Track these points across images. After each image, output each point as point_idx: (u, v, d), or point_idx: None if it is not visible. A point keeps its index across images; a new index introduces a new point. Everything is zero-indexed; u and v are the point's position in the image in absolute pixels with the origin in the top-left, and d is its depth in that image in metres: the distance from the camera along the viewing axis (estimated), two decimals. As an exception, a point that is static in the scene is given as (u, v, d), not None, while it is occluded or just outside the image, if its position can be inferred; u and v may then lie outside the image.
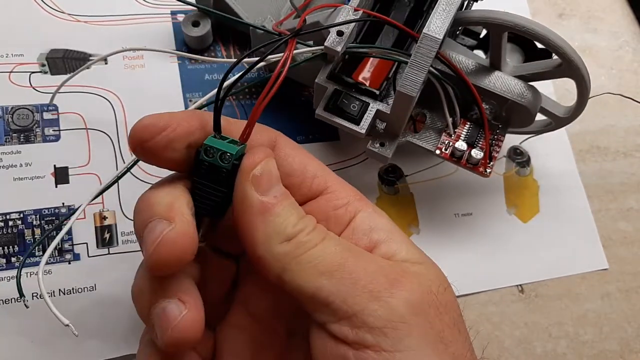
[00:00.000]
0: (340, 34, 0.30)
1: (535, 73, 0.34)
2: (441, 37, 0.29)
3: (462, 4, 0.33)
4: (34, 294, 0.32)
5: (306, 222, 0.24)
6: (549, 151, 0.42)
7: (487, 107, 0.35)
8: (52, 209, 0.34)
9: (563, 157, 0.43)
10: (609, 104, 0.45)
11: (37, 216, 0.34)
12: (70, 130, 0.37)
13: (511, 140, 0.42)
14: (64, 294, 0.33)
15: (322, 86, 0.32)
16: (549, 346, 0.38)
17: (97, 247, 0.34)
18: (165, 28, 0.41)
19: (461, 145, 0.34)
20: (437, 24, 0.29)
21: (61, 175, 0.35)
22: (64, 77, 0.36)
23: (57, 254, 0.34)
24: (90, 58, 0.38)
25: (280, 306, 0.26)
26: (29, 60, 0.38)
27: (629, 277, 0.40)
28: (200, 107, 0.29)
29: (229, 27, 0.41)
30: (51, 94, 0.36)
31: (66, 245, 0.34)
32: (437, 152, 0.34)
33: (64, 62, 0.38)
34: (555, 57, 0.33)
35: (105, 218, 0.35)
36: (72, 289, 0.33)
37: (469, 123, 0.35)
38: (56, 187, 0.35)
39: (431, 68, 0.30)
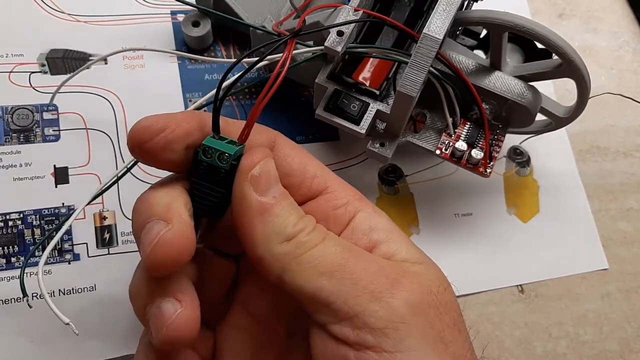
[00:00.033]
0: (340, 34, 0.30)
1: (536, 73, 0.34)
2: (441, 37, 0.29)
3: (462, 4, 0.33)
4: (34, 294, 0.32)
5: (306, 222, 0.24)
6: (549, 151, 0.42)
7: (487, 107, 0.35)
8: (52, 209, 0.34)
9: (563, 157, 0.43)
10: (609, 104, 0.45)
11: (37, 216, 0.34)
12: (70, 130, 0.37)
13: (511, 140, 0.42)
14: (64, 294, 0.33)
15: (322, 86, 0.32)
16: (549, 346, 0.38)
17: (97, 247, 0.34)
18: (165, 28, 0.41)
19: (461, 145, 0.34)
20: (437, 24, 0.29)
21: (61, 175, 0.35)
22: (64, 77, 0.36)
23: (57, 254, 0.34)
24: (90, 58, 0.38)
25: (280, 306, 0.26)
26: (29, 60, 0.38)
27: (629, 277, 0.40)
28: (200, 107, 0.29)
29: (229, 27, 0.41)
30: (51, 94, 0.36)
31: (66, 245, 0.34)
32: (437, 152, 0.34)
33: (63, 62, 0.38)
34: (555, 57, 0.33)
35: (105, 218, 0.35)
36: (72, 289, 0.33)
37: (469, 123, 0.35)
38: (56, 187, 0.35)
39: (431, 68, 0.30)
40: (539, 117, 0.36)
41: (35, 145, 0.36)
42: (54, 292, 0.33)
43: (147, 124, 0.23)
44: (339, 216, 0.26)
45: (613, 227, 0.41)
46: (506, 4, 0.37)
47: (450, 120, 0.34)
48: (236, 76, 0.25)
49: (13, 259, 0.33)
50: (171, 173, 0.25)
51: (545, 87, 0.39)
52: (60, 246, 0.34)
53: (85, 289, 0.33)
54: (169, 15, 0.41)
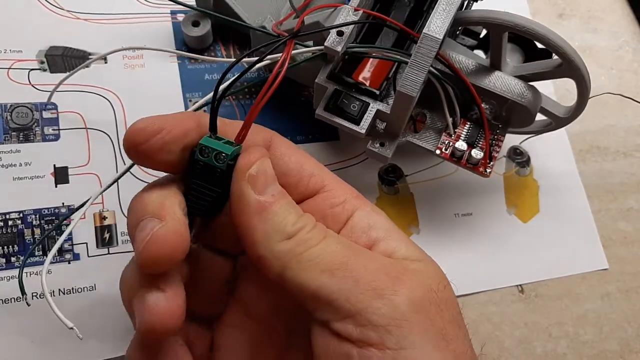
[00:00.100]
0: (340, 34, 0.30)
1: (536, 73, 0.34)
2: (441, 37, 0.29)
3: (462, 4, 0.33)
4: (34, 294, 0.32)
5: (305, 220, 0.24)
6: (549, 151, 0.42)
7: (487, 107, 0.35)
8: (52, 209, 0.34)
9: (563, 157, 0.43)
10: (609, 104, 0.45)
11: (37, 216, 0.34)
12: (69, 130, 0.36)
13: (511, 140, 0.42)
14: (64, 294, 0.33)
15: (322, 86, 0.32)
16: (549, 346, 0.38)
17: (97, 247, 0.34)
18: (165, 28, 0.41)
19: (461, 145, 0.34)
20: (437, 24, 0.29)
21: (61, 175, 0.35)
22: (63, 75, 0.36)
23: (57, 254, 0.34)
24: (90, 56, 0.38)
25: (279, 305, 0.26)
26: (28, 57, 0.38)
27: (629, 277, 0.40)
28: (199, 107, 0.29)
29: (229, 27, 0.41)
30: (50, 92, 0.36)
31: (66, 245, 0.34)
32: (437, 152, 0.34)
33: (63, 59, 0.38)
34: (555, 57, 0.33)
35: (105, 218, 0.35)
36: (72, 288, 0.33)
37: (469, 123, 0.35)
38: (56, 186, 0.35)
39: (431, 68, 0.30)
40: (539, 117, 0.36)
41: (35, 144, 0.36)
42: (53, 291, 0.33)
43: (143, 125, 0.23)
44: (336, 214, 0.26)
45: (613, 227, 0.41)
46: (506, 4, 0.37)
47: (450, 120, 0.34)
48: (235, 76, 0.25)
49: (13, 259, 0.33)
50: (166, 174, 0.25)
51: (545, 87, 0.39)
52: (60, 246, 0.34)
53: (85, 288, 0.33)
54: (169, 14, 0.41)
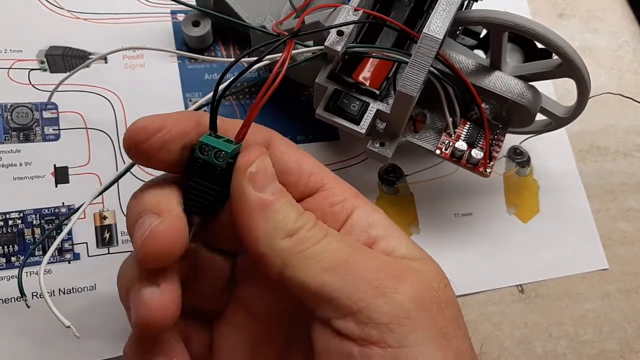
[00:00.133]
0: (340, 33, 0.30)
1: (536, 73, 0.34)
2: (441, 37, 0.29)
3: (462, 4, 0.33)
4: (34, 294, 0.32)
5: (306, 218, 0.24)
6: (549, 151, 0.42)
7: (487, 107, 0.35)
8: (52, 209, 0.34)
9: (563, 157, 0.43)
10: (609, 104, 0.45)
11: (37, 216, 0.34)
12: (70, 130, 0.36)
13: (511, 140, 0.42)
14: (64, 294, 0.33)
15: (322, 86, 0.32)
16: (549, 346, 0.38)
17: (97, 246, 0.34)
18: (165, 28, 0.41)
19: (461, 145, 0.34)
20: (437, 24, 0.29)
21: (61, 175, 0.35)
22: (63, 75, 0.36)
23: (57, 254, 0.34)
24: (90, 56, 0.38)
25: (279, 305, 0.26)
26: (28, 57, 0.38)
27: (629, 277, 0.40)
28: (199, 107, 0.29)
29: (229, 27, 0.41)
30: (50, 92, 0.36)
31: (66, 245, 0.34)
32: (437, 152, 0.34)
33: (63, 59, 0.38)
34: (555, 57, 0.33)
35: (105, 218, 0.35)
36: (72, 288, 0.33)
37: (469, 123, 0.35)
38: (56, 186, 0.35)
39: (431, 68, 0.30)
40: (539, 117, 0.36)
41: (35, 144, 0.36)
42: (53, 291, 0.33)
43: (143, 124, 0.23)
44: (336, 213, 0.26)
45: (613, 227, 0.41)
46: (506, 4, 0.37)
47: (450, 120, 0.34)
48: (235, 75, 0.25)
49: (13, 259, 0.33)
50: (165, 173, 0.26)
51: (545, 87, 0.39)
52: (60, 246, 0.34)
53: (85, 288, 0.33)
54: (169, 14, 0.41)
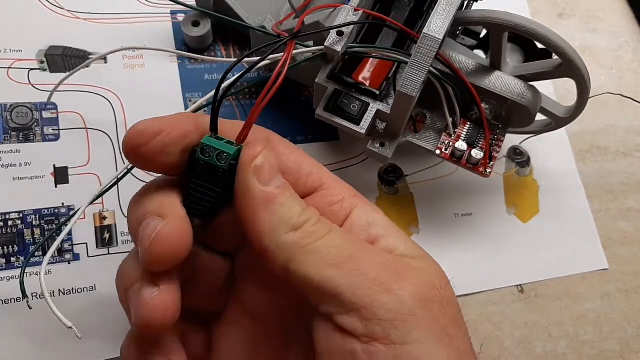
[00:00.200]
0: (340, 34, 0.30)
1: (536, 73, 0.34)
2: (441, 37, 0.29)
3: (462, 4, 0.33)
4: (34, 294, 0.32)
5: (310, 213, 0.24)
6: (549, 151, 0.42)
7: (487, 107, 0.35)
8: (52, 209, 0.34)
9: (563, 157, 0.43)
10: (609, 104, 0.45)
11: (37, 216, 0.34)
12: (69, 130, 0.36)
13: (511, 140, 0.42)
14: (64, 294, 0.33)
15: (322, 86, 0.32)
16: (549, 346, 0.38)
17: (97, 247, 0.34)
18: (165, 28, 0.41)
19: (461, 145, 0.34)
20: (437, 24, 0.29)
21: (61, 175, 0.35)
22: (63, 75, 0.36)
23: (56, 254, 0.34)
24: (90, 56, 0.38)
25: (279, 304, 0.26)
26: (28, 57, 0.38)
27: (629, 277, 0.40)
28: (199, 108, 0.29)
29: (229, 27, 0.41)
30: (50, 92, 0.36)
31: (66, 246, 0.34)
32: (437, 152, 0.34)
33: (63, 59, 0.38)
34: (555, 57, 0.33)
35: (105, 218, 0.35)
36: (72, 289, 0.33)
37: (469, 123, 0.35)
38: (56, 187, 0.35)
39: (431, 68, 0.30)
40: (539, 117, 0.36)
41: (35, 144, 0.36)
42: (53, 292, 0.33)
43: (142, 127, 0.23)
44: (335, 212, 0.26)
45: (613, 227, 0.41)
46: (506, 4, 0.37)
47: (450, 120, 0.34)
48: (235, 76, 0.25)
49: (13, 259, 0.33)
50: (162, 175, 0.26)
51: (545, 87, 0.39)
52: (60, 246, 0.34)
53: (85, 289, 0.33)
54: (169, 15, 0.41)
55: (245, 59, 0.29)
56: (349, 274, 0.22)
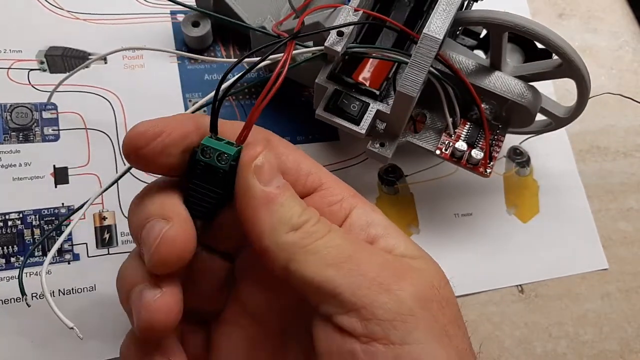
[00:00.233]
0: (340, 34, 0.30)
1: (536, 73, 0.34)
2: (441, 37, 0.29)
3: (462, 4, 0.33)
4: (34, 294, 0.32)
5: (310, 213, 0.24)
6: (549, 151, 0.42)
7: (487, 107, 0.35)
8: (52, 209, 0.34)
9: (563, 157, 0.43)
10: (609, 104, 0.45)
11: (37, 216, 0.34)
12: (69, 130, 0.36)
13: (511, 140, 0.42)
14: (64, 294, 0.33)
15: (322, 86, 0.32)
16: (549, 346, 0.38)
17: (97, 247, 0.34)
18: (165, 28, 0.41)
19: (461, 145, 0.34)
20: (437, 24, 0.29)
21: (61, 175, 0.35)
22: (63, 75, 0.36)
23: (56, 254, 0.34)
24: (90, 57, 0.38)
25: (279, 304, 0.26)
26: (28, 57, 0.38)
27: (629, 277, 0.40)
28: (199, 108, 0.29)
29: (229, 28, 0.41)
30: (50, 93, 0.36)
31: (66, 246, 0.34)
32: (437, 152, 0.34)
33: (62, 60, 0.38)
34: (555, 57, 0.33)
35: (104, 218, 0.35)
36: (72, 289, 0.33)
37: (469, 123, 0.35)
38: (56, 187, 0.35)
39: (431, 68, 0.30)
40: (539, 117, 0.36)
41: (35, 144, 0.36)
42: (53, 292, 0.33)
43: (142, 129, 0.23)
44: (334, 212, 0.26)
45: (613, 227, 0.41)
46: (506, 4, 0.37)
47: (450, 120, 0.34)
48: (235, 77, 0.25)
49: (12, 259, 0.33)
50: (162, 177, 0.26)
51: (545, 87, 0.39)
52: (60, 246, 0.34)
53: (85, 289, 0.33)
54: (169, 15, 0.41)
55: (245, 60, 0.29)
56: (349, 274, 0.22)
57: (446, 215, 0.39)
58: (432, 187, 0.40)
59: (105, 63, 0.39)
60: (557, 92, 0.44)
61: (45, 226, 0.34)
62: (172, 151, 0.23)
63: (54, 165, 0.35)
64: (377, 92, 0.32)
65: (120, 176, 0.28)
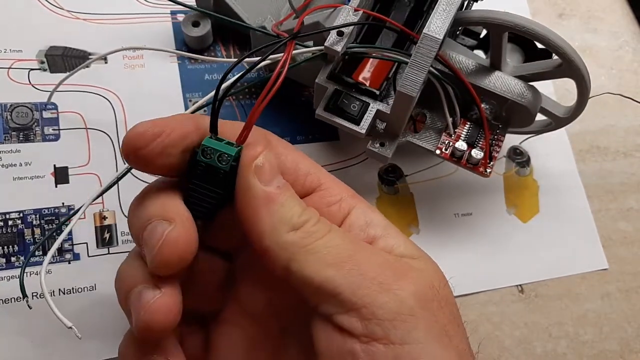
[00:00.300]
0: (340, 34, 0.30)
1: (536, 73, 0.34)
2: (441, 37, 0.29)
3: (462, 4, 0.33)
4: (34, 294, 0.32)
5: (310, 213, 0.24)
6: (549, 151, 0.42)
7: (487, 107, 0.35)
8: (52, 209, 0.34)
9: (563, 157, 0.43)
10: (609, 104, 0.45)
11: (37, 216, 0.34)
12: (69, 130, 0.36)
13: (511, 140, 0.42)
14: (64, 294, 0.33)
15: (322, 86, 0.32)
16: (549, 346, 0.38)
17: (97, 247, 0.34)
18: (165, 28, 0.41)
19: (461, 145, 0.34)
20: (437, 24, 0.29)
21: (61, 175, 0.35)
22: (63, 75, 0.36)
23: (57, 254, 0.34)
24: (90, 56, 0.38)
25: (278, 304, 0.26)
26: (28, 57, 0.38)
27: (629, 277, 0.40)
28: (200, 108, 0.29)
29: (229, 27, 0.41)
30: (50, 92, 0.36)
31: (66, 245, 0.34)
32: (437, 152, 0.34)
33: (63, 59, 0.38)
34: (555, 57, 0.33)
35: (105, 218, 0.35)
36: (72, 288, 0.33)
37: (469, 123, 0.35)
38: (56, 186, 0.35)
39: (431, 68, 0.30)
40: (539, 117, 0.36)
41: (35, 144, 0.36)
42: (53, 291, 0.33)
43: (142, 130, 0.23)
44: (333, 213, 0.26)
45: (613, 227, 0.41)
46: (506, 4, 0.37)
47: (450, 120, 0.34)
48: (235, 77, 0.25)
49: (13, 259, 0.33)
50: (161, 177, 0.26)
51: (545, 87, 0.39)
52: (60, 246, 0.34)
53: (85, 288, 0.33)
54: (169, 15, 0.41)
55: (245, 60, 0.29)
56: (349, 274, 0.23)
57: (446, 215, 0.39)
58: (432, 187, 0.40)
59: (106, 63, 0.39)
60: (557, 92, 0.44)
61: (45, 226, 0.34)
62: (172, 152, 0.23)
63: (54, 165, 0.35)
64: (377, 92, 0.32)
65: (121, 176, 0.28)
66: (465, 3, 0.37)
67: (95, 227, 0.35)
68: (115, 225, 0.35)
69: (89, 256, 0.34)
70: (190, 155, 0.24)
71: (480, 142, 0.34)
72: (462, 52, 0.35)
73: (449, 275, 0.25)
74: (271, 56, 0.28)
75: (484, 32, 0.38)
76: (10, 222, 0.34)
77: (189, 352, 0.26)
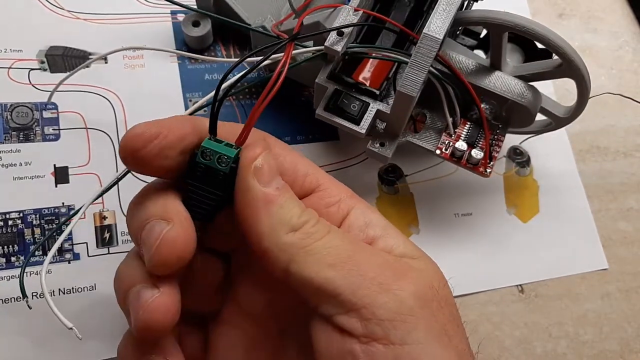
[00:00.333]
0: (340, 34, 0.30)
1: (536, 73, 0.34)
2: (441, 37, 0.29)
3: (462, 4, 0.33)
4: (34, 294, 0.32)
5: (310, 214, 0.24)
6: (549, 151, 0.42)
7: (487, 107, 0.35)
8: (52, 209, 0.34)
9: (563, 157, 0.43)
10: (609, 104, 0.45)
11: (37, 216, 0.34)
12: (70, 130, 0.36)
13: (511, 140, 0.42)
14: (64, 294, 0.33)
15: (322, 86, 0.32)
16: (549, 346, 0.38)
17: (97, 246, 0.34)
18: (166, 28, 0.41)
19: (461, 145, 0.34)
20: (437, 24, 0.29)
21: (61, 175, 0.35)
22: (63, 75, 0.36)
23: (57, 254, 0.34)
24: (90, 56, 0.38)
25: (276, 304, 0.26)
26: (28, 57, 0.38)
27: (629, 277, 0.40)
28: (200, 108, 0.29)
29: (229, 27, 0.41)
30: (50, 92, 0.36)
31: (66, 245, 0.34)
32: (437, 152, 0.34)
33: (63, 59, 0.38)
34: (555, 57, 0.33)
35: (105, 218, 0.35)
36: (72, 288, 0.33)
37: (469, 123, 0.35)
38: (56, 186, 0.35)
39: (431, 68, 0.30)
40: (539, 117, 0.36)
41: (35, 144, 0.36)
42: (53, 291, 0.33)
43: (139, 131, 0.23)
44: (332, 213, 0.26)
45: (613, 227, 0.41)
46: (506, 4, 0.37)
47: (450, 120, 0.34)
48: (235, 77, 0.25)
49: (13, 259, 0.33)
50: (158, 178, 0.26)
51: (545, 87, 0.39)
52: (60, 246, 0.34)
53: (85, 288, 0.33)
54: (169, 15, 0.41)
55: (246, 60, 0.29)
56: (349, 275, 0.23)
57: (446, 215, 0.39)
58: (432, 187, 0.40)
59: (106, 63, 0.39)
60: (557, 92, 0.44)
61: (45, 226, 0.34)
62: (169, 153, 0.23)
63: (55, 165, 0.35)
64: (377, 92, 0.32)
65: (121, 176, 0.28)
66: (465, 3, 0.37)
67: (95, 227, 0.35)
68: (115, 225, 0.35)
69: (89, 256, 0.34)
70: (189, 157, 0.24)
71: (480, 142, 0.34)
72: (462, 52, 0.35)
73: (448, 275, 0.25)
74: (274, 55, 0.28)
75: (484, 32, 0.38)
76: (10, 222, 0.34)
77: (188, 352, 0.26)
